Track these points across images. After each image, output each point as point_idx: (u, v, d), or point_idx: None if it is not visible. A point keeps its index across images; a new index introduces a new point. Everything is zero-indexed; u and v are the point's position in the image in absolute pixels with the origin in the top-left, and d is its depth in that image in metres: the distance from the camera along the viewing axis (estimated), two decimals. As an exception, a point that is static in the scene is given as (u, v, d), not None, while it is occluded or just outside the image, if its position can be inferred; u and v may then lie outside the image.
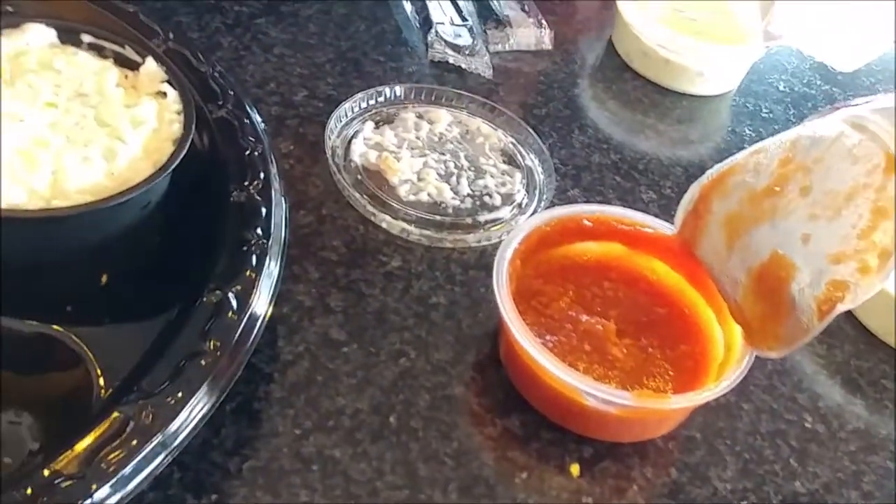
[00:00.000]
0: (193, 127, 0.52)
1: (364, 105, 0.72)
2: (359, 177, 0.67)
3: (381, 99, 0.73)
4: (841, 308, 0.48)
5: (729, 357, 0.56)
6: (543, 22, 0.87)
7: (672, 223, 0.61)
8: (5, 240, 0.47)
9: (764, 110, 0.88)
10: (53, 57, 0.54)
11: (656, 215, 0.71)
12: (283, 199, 0.55)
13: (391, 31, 0.83)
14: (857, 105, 0.53)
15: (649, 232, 0.61)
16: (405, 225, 0.64)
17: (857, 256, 0.49)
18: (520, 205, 0.69)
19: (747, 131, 0.85)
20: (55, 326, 0.47)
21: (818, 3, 0.85)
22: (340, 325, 0.57)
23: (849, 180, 0.50)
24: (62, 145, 0.49)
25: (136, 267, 0.52)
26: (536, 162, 0.72)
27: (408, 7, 0.85)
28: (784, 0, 0.83)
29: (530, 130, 0.74)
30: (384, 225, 0.64)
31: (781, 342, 0.52)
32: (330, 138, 0.68)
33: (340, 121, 0.70)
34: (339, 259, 0.61)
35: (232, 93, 0.60)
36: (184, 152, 0.51)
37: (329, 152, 0.67)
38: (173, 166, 0.50)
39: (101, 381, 0.45)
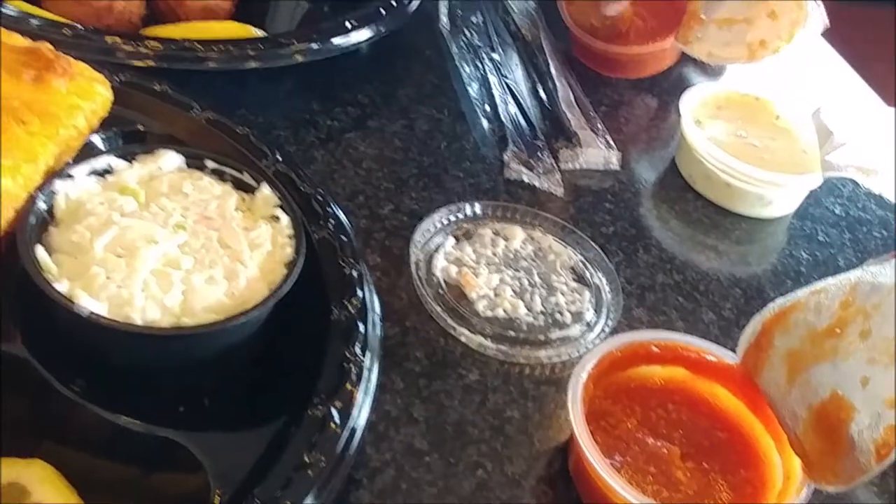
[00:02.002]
0: (304, 252, 0.58)
1: (445, 221, 0.78)
2: (440, 290, 0.72)
3: (461, 215, 0.79)
4: (898, 452, 0.52)
5: (788, 486, 0.59)
6: (611, 142, 0.93)
7: (733, 349, 0.65)
8: (139, 351, 0.53)
9: (820, 234, 0.92)
10: (182, 181, 0.61)
11: (717, 337, 0.76)
12: (378, 317, 0.60)
13: (470, 148, 0.89)
14: (915, 255, 0.57)
15: (712, 359, 0.65)
16: (482, 339, 0.69)
17: (914, 404, 0.52)
18: (588, 323, 0.73)
19: (804, 254, 0.89)
20: (174, 431, 0.53)
21: (875, 138, 0.89)
22: (423, 434, 0.62)
23: (905, 330, 0.54)
24: (191, 266, 0.55)
25: (246, 378, 0.58)
26: (604, 280, 0.77)
27: (485, 125, 0.91)
28: (842, 132, 0.88)
29: (598, 249, 0.79)
30: (463, 339, 0.69)
31: (840, 478, 0.55)
32: (414, 252, 0.73)
33: (424, 235, 0.76)
34: (422, 370, 0.66)
35: (332, 214, 0.66)
36: (296, 276, 0.56)
37: (413, 266, 0.72)
38: (287, 289, 0.55)
39: (216, 488, 0.50)
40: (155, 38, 0.77)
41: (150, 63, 0.75)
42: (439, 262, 0.74)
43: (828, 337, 0.58)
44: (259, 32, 0.86)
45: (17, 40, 0.63)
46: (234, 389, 0.57)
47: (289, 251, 0.58)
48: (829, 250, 0.90)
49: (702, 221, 0.89)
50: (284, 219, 0.60)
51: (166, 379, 0.55)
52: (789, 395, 0.59)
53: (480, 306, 0.72)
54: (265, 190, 0.61)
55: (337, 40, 0.85)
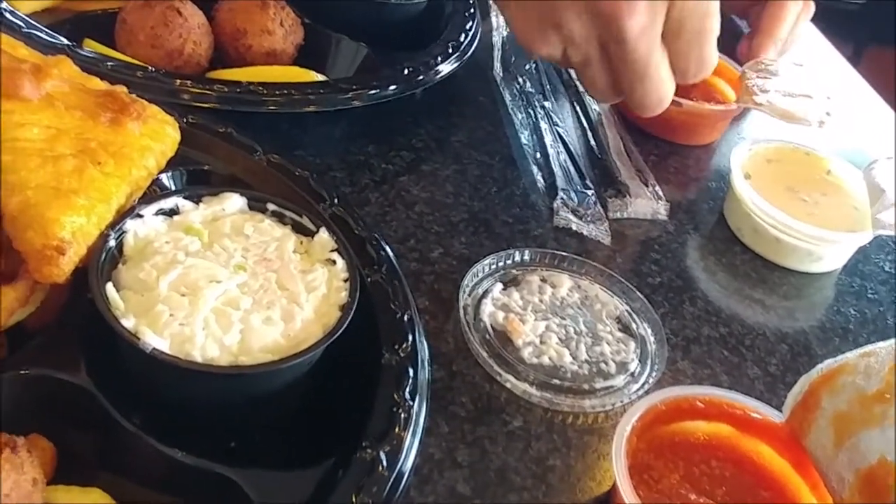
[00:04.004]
0: (357, 297, 0.60)
1: (494, 266, 0.79)
2: (487, 336, 0.73)
3: (510, 261, 0.80)
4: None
5: (832, 548, 0.59)
6: (660, 192, 0.94)
7: (779, 406, 0.65)
8: (197, 387, 0.55)
9: (869, 291, 0.91)
10: (244, 223, 0.63)
11: (762, 393, 0.76)
12: (427, 362, 0.62)
13: (520, 195, 0.90)
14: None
15: (758, 417, 0.65)
16: (527, 387, 0.70)
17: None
18: (633, 374, 0.73)
19: (852, 311, 0.88)
20: (226, 468, 0.54)
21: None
22: (466, 479, 0.63)
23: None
24: (249, 306, 0.57)
25: (298, 419, 0.59)
26: (649, 331, 0.77)
27: (536, 172, 0.93)
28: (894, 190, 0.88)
29: (644, 300, 0.79)
30: (508, 385, 0.70)
31: (885, 544, 0.55)
32: (462, 297, 0.75)
33: (472, 280, 0.77)
34: (467, 415, 0.67)
35: (386, 258, 0.68)
36: (349, 319, 0.58)
37: (461, 310, 0.74)
38: (340, 332, 0.57)
39: (266, 524, 0.52)
40: (220, 81, 0.81)
41: (215, 105, 0.78)
42: (487, 308, 0.75)
43: (877, 402, 0.58)
44: (319, 76, 0.89)
45: (95, 83, 0.67)
46: (285, 429, 0.59)
47: (343, 295, 0.60)
48: (877, 308, 0.89)
49: (749, 275, 0.89)
50: (340, 263, 0.62)
51: (221, 416, 0.57)
52: (836, 459, 0.59)
53: (526, 353, 0.73)
54: (323, 234, 0.63)
55: (394, 86, 0.87)
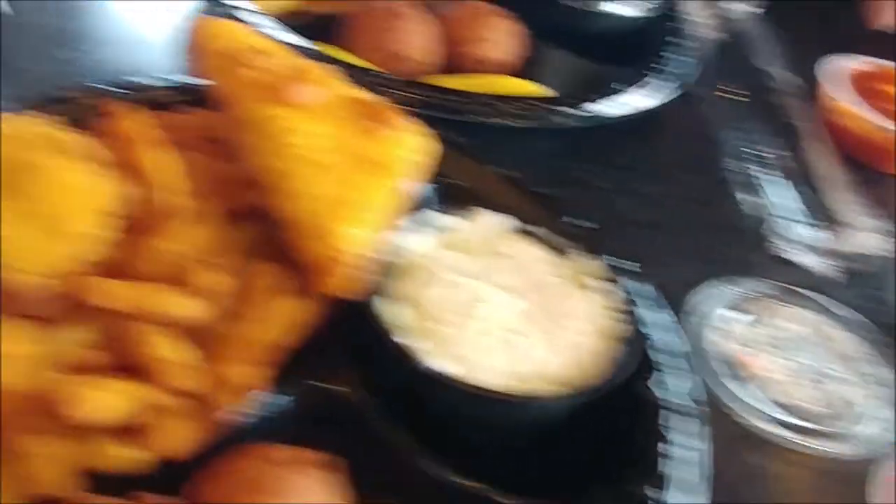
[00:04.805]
0: (637, 327, 0.58)
1: (716, 291, 0.77)
2: (713, 363, 0.71)
3: (732, 288, 0.77)
4: None
5: None
6: (881, 224, 0.89)
7: None
8: (471, 408, 0.54)
9: None
10: (511, 245, 0.62)
11: None
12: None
13: (732, 221, 0.87)
14: None
15: None
16: (759, 422, 0.67)
17: None
18: (881, 419, 0.70)
19: None
20: (495, 491, 0.53)
21: None
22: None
23: None
24: (522, 330, 0.56)
25: (563, 449, 0.58)
26: (887, 371, 0.74)
27: (751, 200, 0.90)
28: None
29: (881, 337, 0.76)
30: (741, 421, 0.67)
31: None
32: (689, 321, 0.73)
33: (697, 306, 0.75)
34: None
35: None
36: (638, 354, 0.57)
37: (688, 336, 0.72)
38: (633, 368, 0.56)
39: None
40: (450, 90, 0.80)
41: (441, 114, 0.77)
42: (710, 334, 0.73)
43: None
44: (545, 90, 0.87)
45: (352, 92, 0.67)
46: (552, 459, 0.58)
47: (618, 325, 0.58)
48: None
49: None
50: (609, 289, 0.60)
51: (491, 439, 0.56)
52: None
53: (762, 387, 0.70)
54: (588, 258, 0.62)
55: (618, 108, 0.86)
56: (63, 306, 0.49)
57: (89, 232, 0.48)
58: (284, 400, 0.55)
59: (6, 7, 0.84)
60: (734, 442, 0.66)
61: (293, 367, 0.56)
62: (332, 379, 0.56)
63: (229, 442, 0.51)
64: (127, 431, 0.47)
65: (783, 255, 0.84)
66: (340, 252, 0.55)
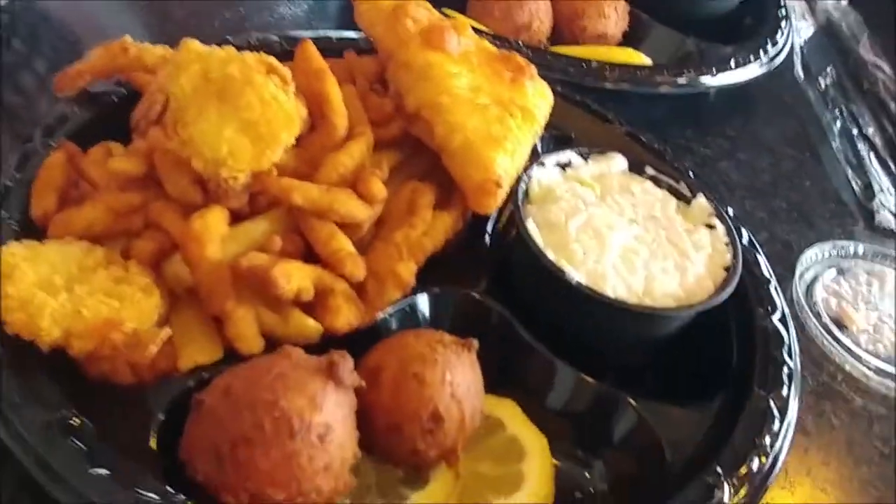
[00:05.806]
0: (741, 258, 0.64)
1: (823, 255, 0.81)
2: (822, 319, 0.75)
3: (837, 252, 0.82)
4: None
5: None
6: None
7: None
8: (607, 320, 0.60)
9: None
10: (629, 182, 0.68)
11: None
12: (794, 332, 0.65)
13: (833, 191, 0.92)
14: None
15: None
16: (866, 370, 0.72)
17: None
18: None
19: None
20: (625, 393, 0.59)
21: None
22: (814, 447, 0.65)
23: None
24: (647, 255, 0.62)
25: (686, 361, 0.64)
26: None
27: (849, 172, 0.94)
28: None
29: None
30: (847, 367, 0.72)
31: None
32: (796, 280, 0.77)
33: (804, 266, 0.80)
34: (810, 389, 0.70)
35: (737, 229, 0.71)
36: (737, 278, 0.62)
37: (795, 292, 0.76)
38: (732, 289, 0.61)
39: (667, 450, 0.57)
40: (569, 58, 0.87)
41: (565, 78, 0.84)
42: (819, 293, 0.78)
43: None
44: (647, 60, 0.94)
45: (489, 47, 0.73)
46: (676, 368, 0.63)
47: (727, 257, 0.64)
48: None
49: None
50: (720, 227, 0.66)
51: (622, 348, 0.63)
52: None
53: (862, 339, 0.74)
54: (701, 199, 0.68)
55: (725, 76, 0.91)
56: (260, 201, 0.57)
57: (287, 142, 0.56)
58: (433, 299, 0.62)
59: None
60: (839, 384, 0.71)
61: (435, 277, 0.63)
62: (471, 285, 0.63)
63: (383, 328, 0.58)
64: (306, 306, 0.55)
65: (884, 226, 0.88)
66: (496, 177, 0.61)
